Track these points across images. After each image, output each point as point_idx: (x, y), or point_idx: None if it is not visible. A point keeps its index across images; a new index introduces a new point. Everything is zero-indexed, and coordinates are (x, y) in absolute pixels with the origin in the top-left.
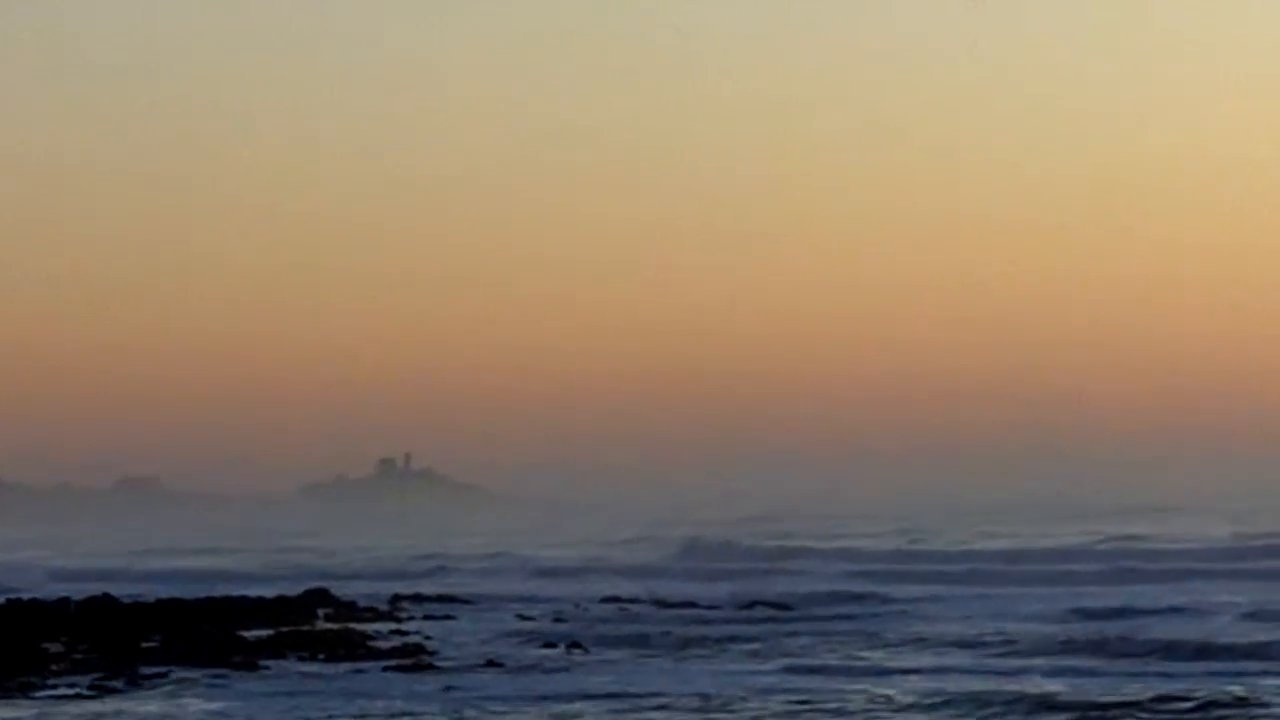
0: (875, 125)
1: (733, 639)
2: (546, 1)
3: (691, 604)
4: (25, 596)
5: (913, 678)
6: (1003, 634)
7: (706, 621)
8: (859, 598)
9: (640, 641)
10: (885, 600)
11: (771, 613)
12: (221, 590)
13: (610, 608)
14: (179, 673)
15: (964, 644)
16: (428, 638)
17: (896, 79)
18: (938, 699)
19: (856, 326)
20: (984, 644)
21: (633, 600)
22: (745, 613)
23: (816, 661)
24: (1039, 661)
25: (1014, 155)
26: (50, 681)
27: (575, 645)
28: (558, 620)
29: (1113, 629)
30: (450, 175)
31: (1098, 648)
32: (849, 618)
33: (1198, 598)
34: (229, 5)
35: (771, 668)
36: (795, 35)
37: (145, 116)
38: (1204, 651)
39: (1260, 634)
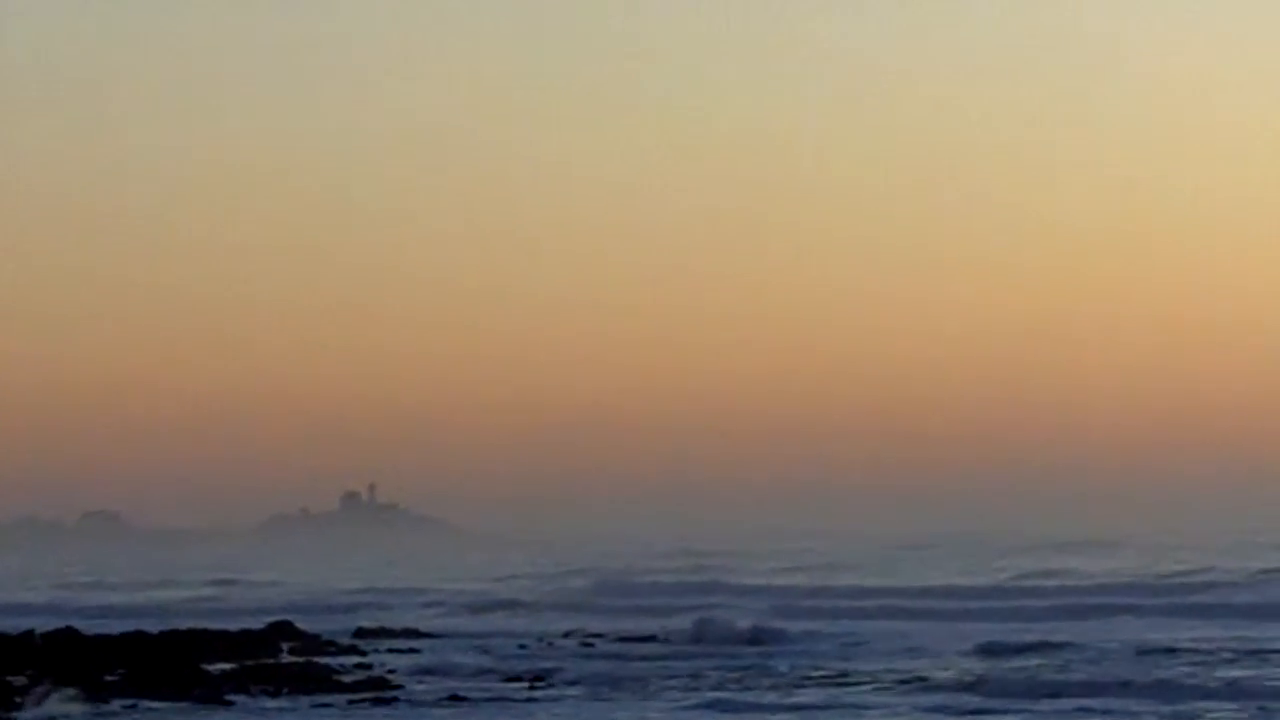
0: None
1: (696, 675)
2: (524, 39)
3: (651, 638)
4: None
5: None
6: (909, 671)
7: (663, 657)
8: (784, 634)
9: (604, 677)
10: (816, 636)
11: (729, 648)
12: (185, 623)
13: (571, 642)
14: (145, 705)
15: (874, 682)
16: (391, 671)
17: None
18: None
19: (787, 364)
20: (896, 682)
21: (597, 635)
22: (698, 647)
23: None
24: (939, 699)
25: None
26: (15, 715)
27: (538, 679)
28: (521, 654)
29: (1015, 666)
30: (412, 209)
31: (999, 686)
32: (806, 652)
33: (1100, 634)
34: (181, 31)
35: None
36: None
37: (91, 145)
38: (1091, 689)
39: (1159, 671)
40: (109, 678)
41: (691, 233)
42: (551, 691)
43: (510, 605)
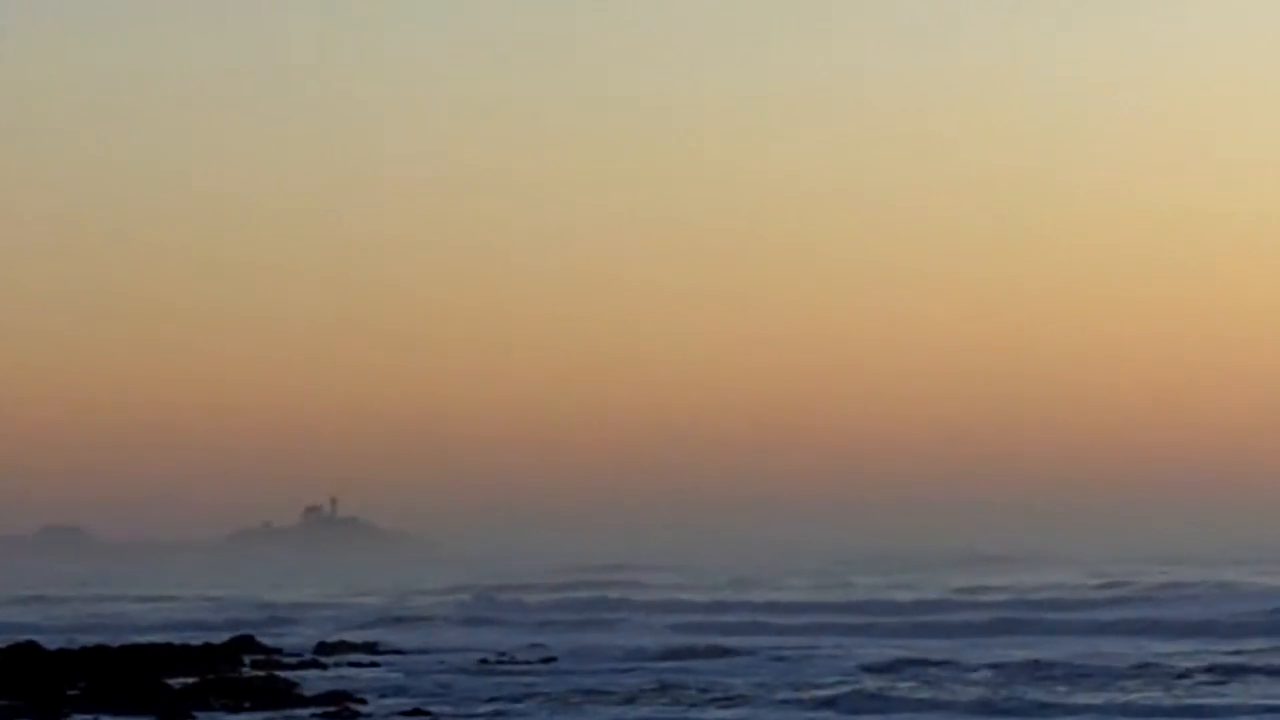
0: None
1: (665, 687)
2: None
3: (604, 652)
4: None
5: None
6: (780, 687)
7: (625, 670)
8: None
9: (567, 692)
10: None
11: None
12: (146, 637)
13: (534, 652)
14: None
15: (764, 700)
16: (355, 685)
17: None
18: None
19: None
20: (783, 700)
21: (560, 651)
22: (665, 664)
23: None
24: (808, 715)
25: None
26: None
27: (501, 694)
28: (482, 669)
29: (883, 684)
30: (376, 226)
31: (852, 704)
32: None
33: (995, 651)
34: (165, 51)
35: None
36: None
37: (55, 162)
38: (942, 706)
39: (1038, 693)
40: (70, 692)
41: (650, 247)
42: (518, 706)
43: (410, 620)
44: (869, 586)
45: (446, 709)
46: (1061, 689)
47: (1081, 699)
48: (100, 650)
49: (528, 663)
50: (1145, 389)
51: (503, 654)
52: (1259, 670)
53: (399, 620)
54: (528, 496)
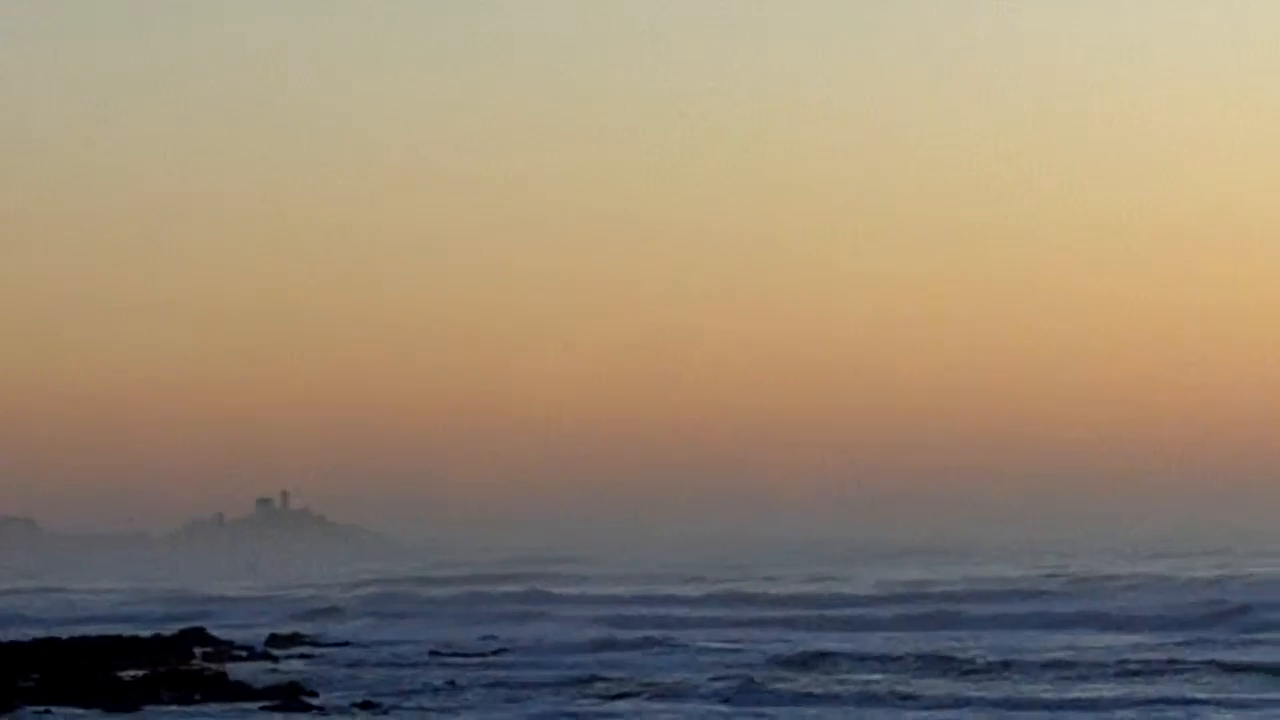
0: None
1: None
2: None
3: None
4: None
5: None
6: (677, 680)
7: (569, 661)
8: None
9: (513, 683)
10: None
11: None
12: (97, 630)
13: (488, 644)
14: (57, 711)
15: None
16: (305, 678)
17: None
18: None
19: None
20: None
21: (508, 642)
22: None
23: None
24: (694, 707)
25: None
26: None
27: (451, 684)
28: (433, 660)
29: (780, 676)
30: (331, 221)
31: (752, 697)
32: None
33: (903, 644)
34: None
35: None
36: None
37: (32, 161)
38: (830, 700)
39: (902, 685)
40: (21, 684)
41: (615, 239)
42: (465, 698)
43: (330, 612)
44: (801, 579)
45: (397, 700)
46: (957, 682)
47: (973, 692)
48: (51, 643)
49: (480, 655)
50: (1128, 384)
51: (452, 645)
52: (1168, 667)
53: (340, 611)
54: (478, 490)
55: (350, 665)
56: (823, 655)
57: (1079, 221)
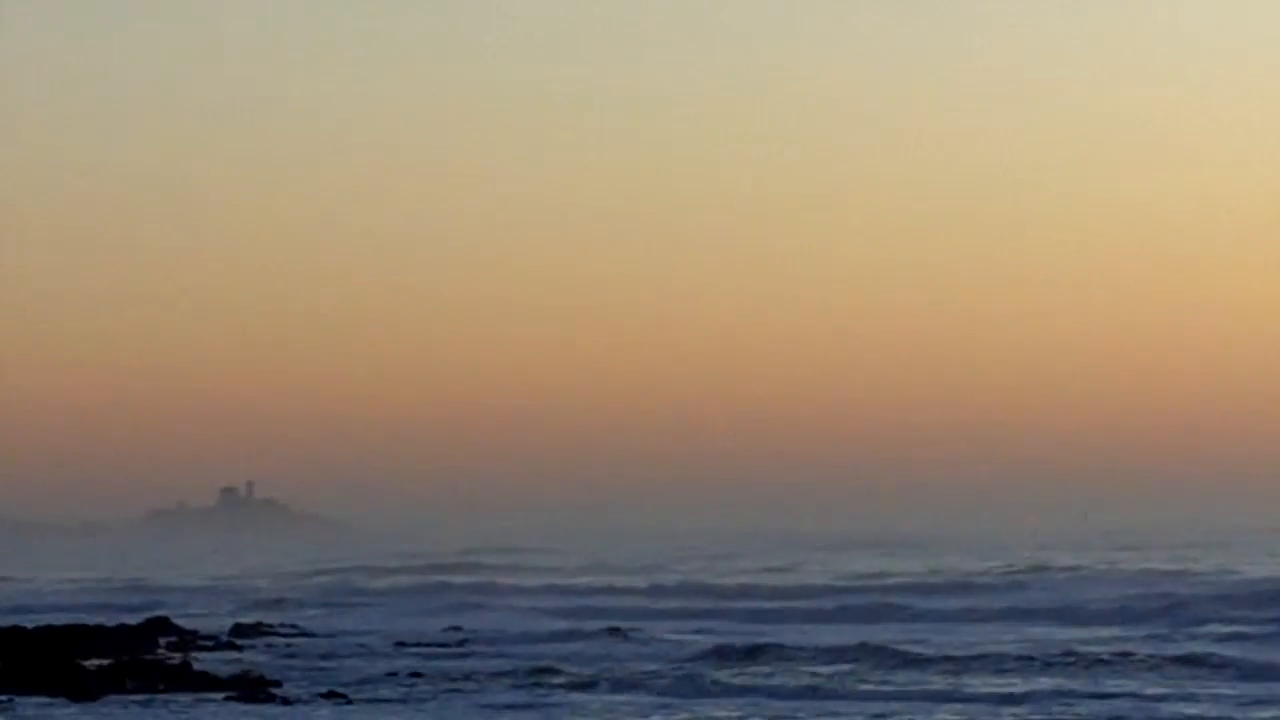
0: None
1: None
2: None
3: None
4: None
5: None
6: (622, 670)
7: (530, 650)
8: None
9: (479, 673)
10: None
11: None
12: (58, 619)
13: (452, 635)
14: (20, 701)
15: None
16: (269, 668)
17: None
18: None
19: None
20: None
21: (473, 630)
22: (571, 645)
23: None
24: (627, 697)
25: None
26: None
27: (415, 675)
28: (397, 651)
29: (720, 667)
30: (294, 212)
31: (691, 688)
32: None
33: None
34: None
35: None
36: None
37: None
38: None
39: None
40: None
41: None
42: (426, 688)
43: (292, 603)
44: (762, 570)
45: (360, 691)
46: (898, 674)
47: (914, 685)
48: (15, 631)
49: (443, 645)
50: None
51: (416, 635)
52: (1097, 659)
53: (302, 602)
54: (445, 480)
55: (314, 656)
56: (773, 646)
57: (1046, 210)
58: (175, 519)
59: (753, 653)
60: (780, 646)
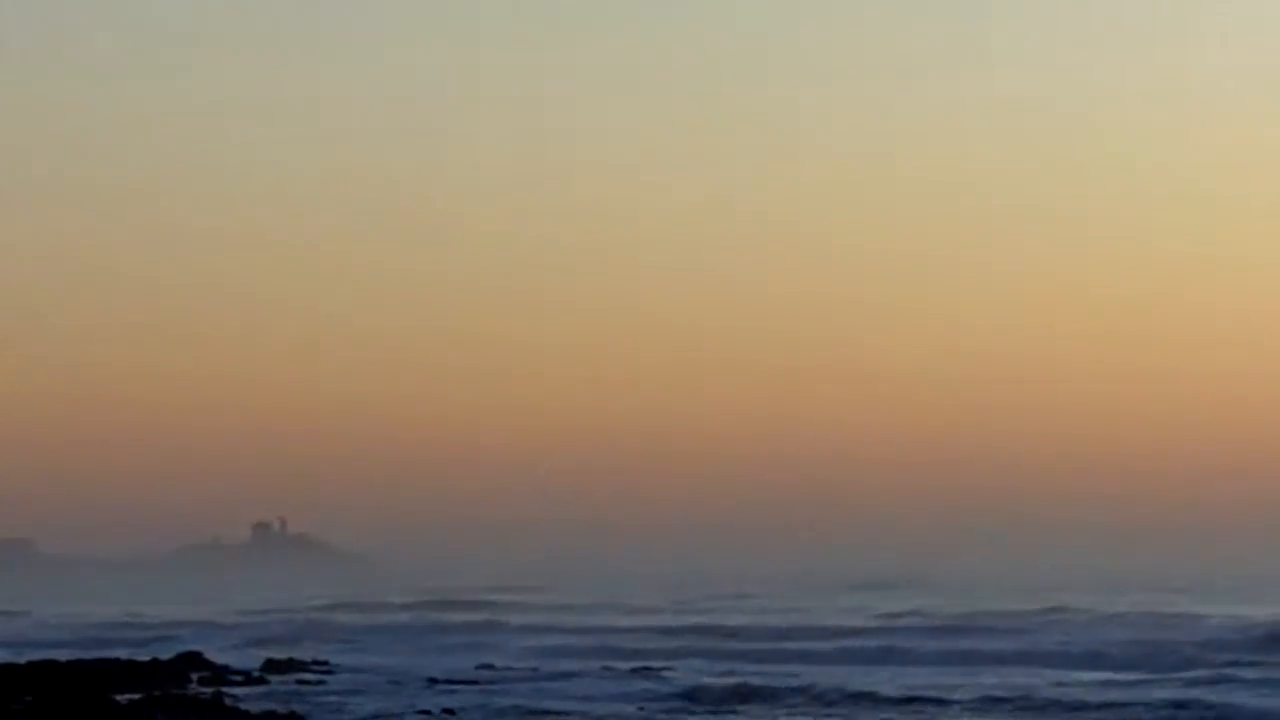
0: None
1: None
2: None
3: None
4: None
5: None
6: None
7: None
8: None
9: (510, 711)
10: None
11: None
12: (93, 653)
13: (484, 673)
14: None
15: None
16: (301, 704)
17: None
18: None
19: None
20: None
21: (505, 668)
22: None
23: None
24: None
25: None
26: None
27: (448, 711)
28: (429, 688)
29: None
30: (332, 250)
31: None
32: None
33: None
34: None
35: None
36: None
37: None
38: None
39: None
40: (15, 707)
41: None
42: None
43: (321, 638)
44: (767, 610)
45: None
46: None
47: None
48: (48, 665)
49: (474, 683)
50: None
51: (449, 672)
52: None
53: (332, 637)
54: (479, 515)
55: (345, 692)
56: (765, 689)
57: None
58: (209, 554)
59: (736, 694)
60: (768, 689)
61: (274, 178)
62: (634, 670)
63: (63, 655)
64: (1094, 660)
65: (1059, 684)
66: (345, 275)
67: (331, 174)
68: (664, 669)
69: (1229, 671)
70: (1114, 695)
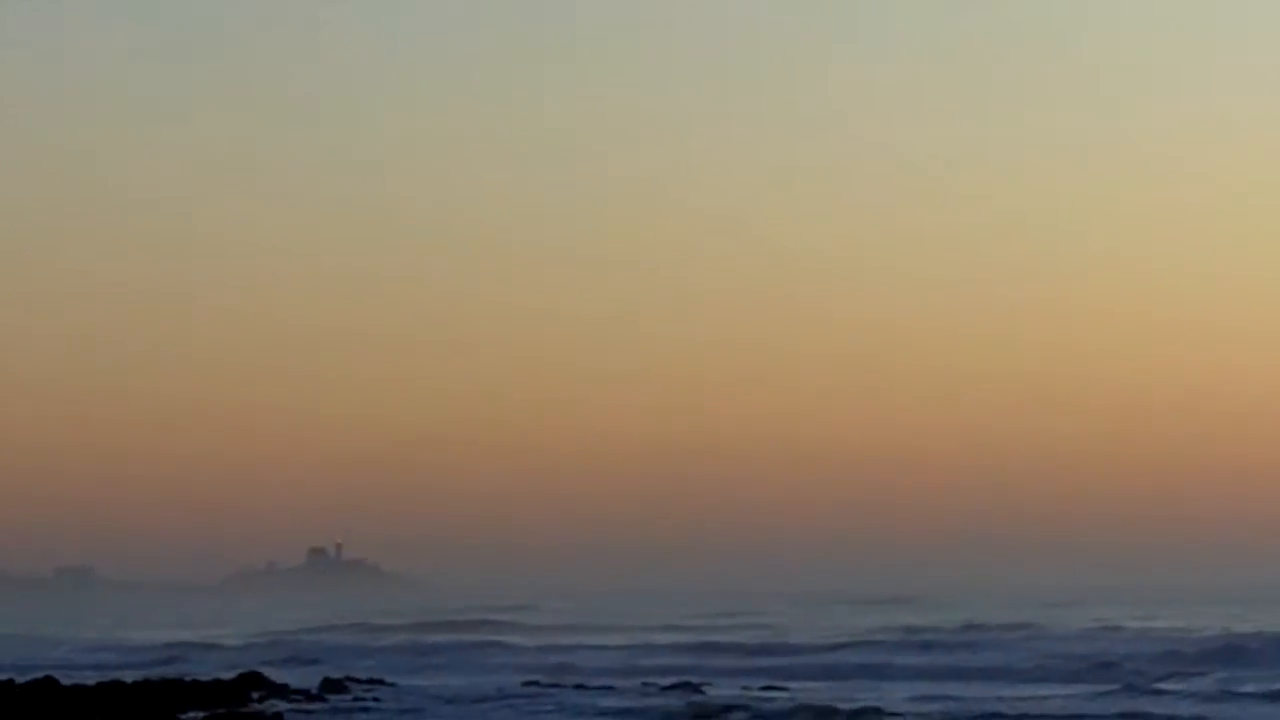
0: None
1: None
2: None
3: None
4: None
5: None
6: None
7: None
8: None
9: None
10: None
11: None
12: (159, 673)
13: (530, 689)
14: None
15: None
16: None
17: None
18: None
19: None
20: None
21: (552, 684)
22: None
23: None
24: None
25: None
26: None
27: None
28: (480, 705)
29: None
30: (381, 271)
31: None
32: None
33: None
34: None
35: None
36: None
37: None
38: None
39: None
40: None
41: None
42: None
43: (374, 660)
44: (758, 626)
45: None
46: None
47: None
48: (115, 685)
49: (525, 697)
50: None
51: (500, 689)
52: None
53: (383, 659)
54: (528, 537)
55: (396, 711)
56: (726, 709)
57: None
58: (264, 578)
59: (705, 714)
60: (737, 707)
61: (333, 208)
62: (669, 687)
63: (128, 676)
64: (1041, 674)
65: (1000, 697)
66: (391, 307)
67: (382, 207)
68: (703, 684)
69: (1168, 685)
70: (1052, 708)
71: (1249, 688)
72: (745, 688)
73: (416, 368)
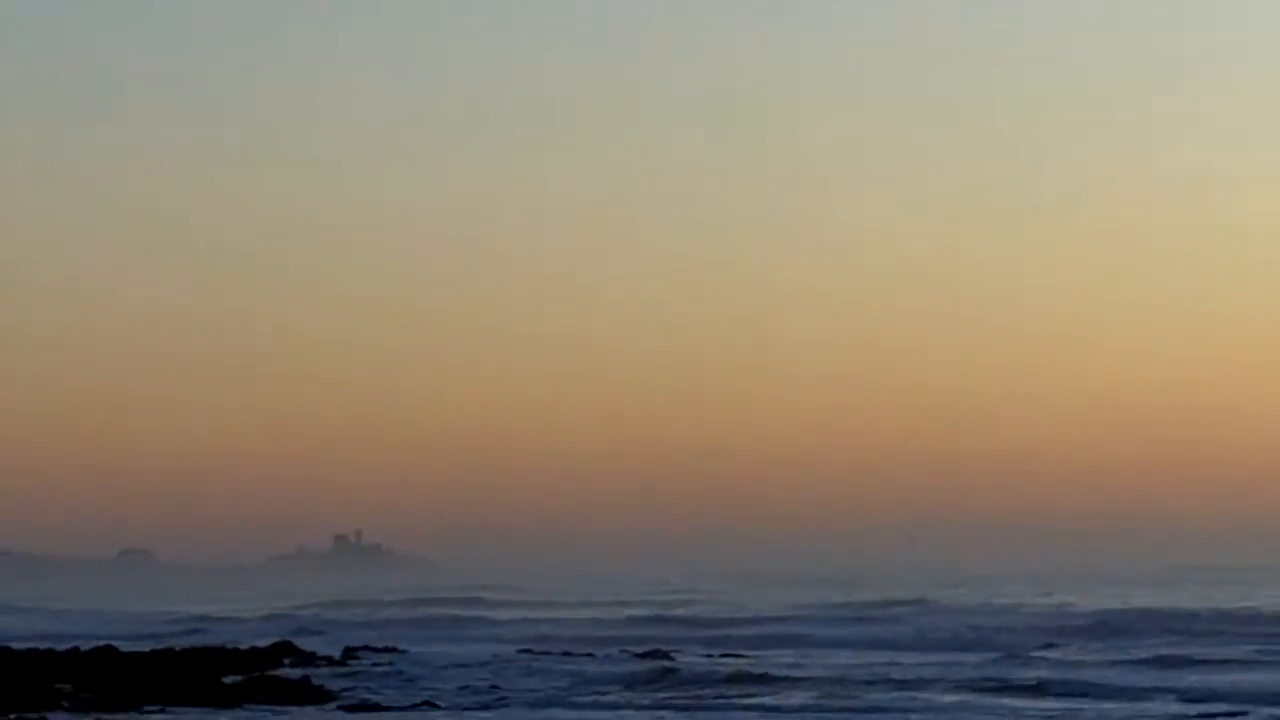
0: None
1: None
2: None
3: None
4: (42, 646)
5: None
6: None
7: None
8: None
9: (550, 686)
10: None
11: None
12: (204, 642)
13: (522, 656)
14: (171, 710)
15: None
16: (375, 683)
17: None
18: None
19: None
20: None
21: (543, 651)
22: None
23: None
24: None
25: None
26: (58, 716)
27: (495, 686)
28: (484, 671)
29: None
30: (400, 267)
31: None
32: None
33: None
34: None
35: None
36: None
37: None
38: None
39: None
40: (142, 687)
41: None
42: (505, 696)
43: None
44: (711, 603)
45: (450, 700)
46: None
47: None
48: (167, 653)
49: (520, 663)
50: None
51: (499, 656)
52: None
53: (398, 630)
54: (539, 521)
55: (410, 675)
56: (668, 671)
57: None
58: (295, 561)
59: (649, 677)
60: (675, 670)
61: (378, 217)
62: (643, 654)
63: (178, 644)
64: (920, 643)
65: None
66: (416, 291)
67: (420, 215)
68: (672, 651)
69: (1038, 654)
70: (928, 673)
71: (1110, 655)
72: (708, 654)
73: (418, 382)
